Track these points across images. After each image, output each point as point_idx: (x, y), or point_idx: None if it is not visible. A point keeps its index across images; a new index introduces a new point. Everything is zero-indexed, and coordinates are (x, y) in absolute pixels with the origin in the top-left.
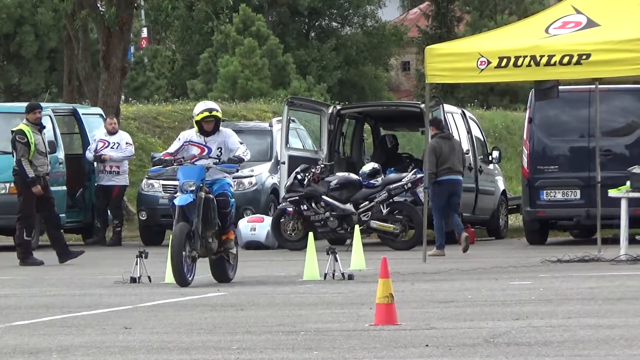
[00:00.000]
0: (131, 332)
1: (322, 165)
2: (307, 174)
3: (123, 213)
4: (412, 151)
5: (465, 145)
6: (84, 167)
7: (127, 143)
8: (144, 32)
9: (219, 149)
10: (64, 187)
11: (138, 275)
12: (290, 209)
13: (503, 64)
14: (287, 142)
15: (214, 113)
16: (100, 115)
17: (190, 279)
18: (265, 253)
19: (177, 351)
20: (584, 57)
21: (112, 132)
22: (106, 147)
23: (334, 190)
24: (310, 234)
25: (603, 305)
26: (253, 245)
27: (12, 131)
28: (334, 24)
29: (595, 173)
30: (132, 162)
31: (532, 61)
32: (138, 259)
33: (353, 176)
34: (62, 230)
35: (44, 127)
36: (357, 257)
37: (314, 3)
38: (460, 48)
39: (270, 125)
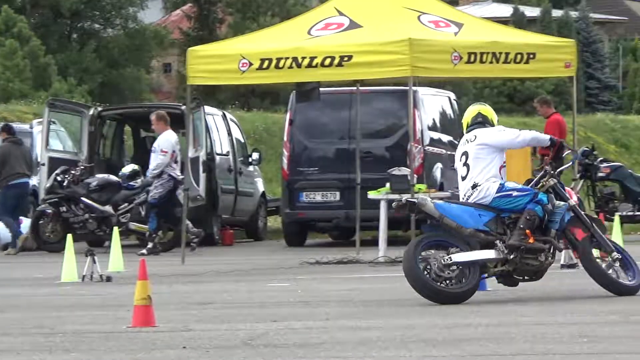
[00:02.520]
0: None
1: (82, 167)
2: (66, 176)
3: None
4: None
5: (226, 147)
6: None
7: None
8: None
9: None
10: None
11: None
12: (50, 211)
13: (265, 65)
14: (47, 143)
15: None
16: None
17: None
18: (24, 254)
19: None
20: (345, 58)
21: None
22: None
23: (93, 192)
24: (69, 236)
25: (361, 307)
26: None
27: None
28: (97, 25)
29: (355, 175)
30: None
31: (293, 63)
32: None
33: (113, 178)
34: None
35: None
36: (115, 258)
37: (76, 5)
38: (222, 50)
39: (31, 127)
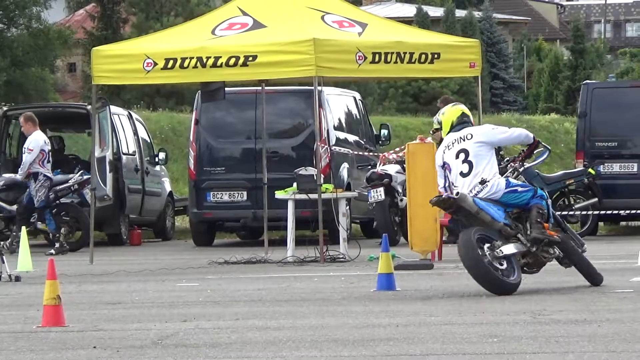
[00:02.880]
0: None
1: None
2: None
3: None
4: (79, 152)
5: (132, 147)
6: None
7: None
8: None
9: None
10: None
11: None
12: None
13: (169, 65)
14: None
15: None
16: None
17: None
18: None
19: None
20: (250, 58)
21: None
22: None
23: (0, 192)
24: None
25: (270, 307)
26: None
27: None
28: (0, 25)
29: (262, 174)
30: None
31: (198, 62)
32: None
33: (19, 178)
34: None
35: None
36: (24, 258)
37: None
38: (126, 49)
39: None
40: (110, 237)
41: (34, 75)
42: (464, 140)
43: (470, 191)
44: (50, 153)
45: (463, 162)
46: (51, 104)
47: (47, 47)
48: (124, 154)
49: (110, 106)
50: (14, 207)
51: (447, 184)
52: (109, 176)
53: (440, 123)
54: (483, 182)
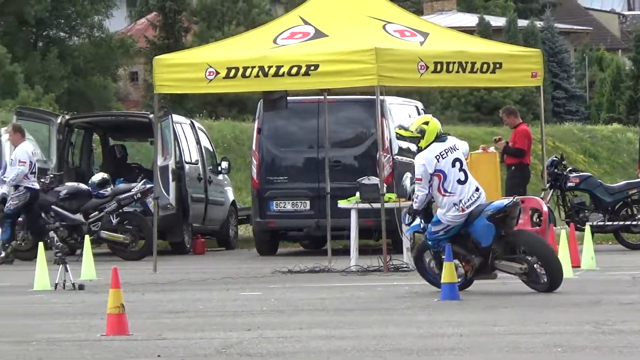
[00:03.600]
0: None
1: (52, 175)
2: None
3: None
4: (141, 161)
5: (195, 156)
6: None
7: None
8: None
9: None
10: None
11: None
12: (20, 219)
13: (231, 74)
14: None
15: None
16: None
17: None
18: None
19: None
20: (312, 67)
21: None
22: None
23: (63, 200)
24: (41, 244)
25: (334, 316)
26: None
27: None
28: (62, 34)
29: (324, 184)
30: None
31: (260, 72)
32: None
33: (82, 186)
34: None
35: None
36: (87, 267)
37: (41, 13)
38: (188, 58)
39: None
40: (174, 246)
41: (96, 84)
42: (453, 150)
43: (471, 198)
44: (36, 164)
45: (459, 170)
46: (114, 113)
47: (109, 55)
48: (187, 162)
49: (173, 115)
50: (77, 215)
51: (428, 192)
52: (172, 185)
53: (422, 132)
54: (477, 189)
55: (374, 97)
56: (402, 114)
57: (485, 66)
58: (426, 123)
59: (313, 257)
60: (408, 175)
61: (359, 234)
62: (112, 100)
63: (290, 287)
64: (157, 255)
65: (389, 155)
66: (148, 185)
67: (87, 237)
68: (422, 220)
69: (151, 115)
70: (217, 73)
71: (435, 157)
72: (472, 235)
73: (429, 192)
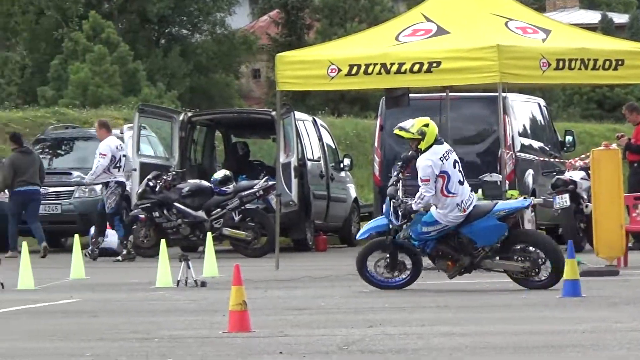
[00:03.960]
0: None
1: (174, 172)
2: (158, 181)
3: None
4: (264, 158)
5: (317, 153)
6: None
7: None
8: None
9: None
10: None
11: None
12: (142, 216)
13: (353, 71)
14: (138, 149)
15: None
16: None
17: None
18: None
19: (30, 358)
20: (434, 64)
21: None
22: None
23: (185, 197)
24: (163, 241)
25: (456, 313)
26: (105, 252)
27: None
28: (184, 31)
29: None
30: None
31: (382, 69)
32: None
33: (205, 183)
34: None
35: None
36: (209, 264)
37: (164, 10)
38: (310, 56)
39: (122, 132)
40: (296, 243)
41: (219, 81)
42: (451, 152)
43: (470, 198)
44: (122, 158)
45: (459, 171)
46: (236, 110)
47: (231, 53)
48: (309, 159)
49: (295, 112)
50: (199, 212)
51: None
52: (294, 182)
53: (423, 134)
54: (471, 190)
55: (496, 94)
56: (525, 111)
57: (607, 63)
58: (426, 125)
59: None
60: (530, 172)
61: None
62: (234, 98)
63: (415, 283)
64: (279, 252)
65: (511, 152)
66: (270, 183)
67: (209, 234)
68: (396, 220)
69: (273, 113)
70: (339, 70)
71: (440, 158)
72: (466, 236)
73: (431, 194)
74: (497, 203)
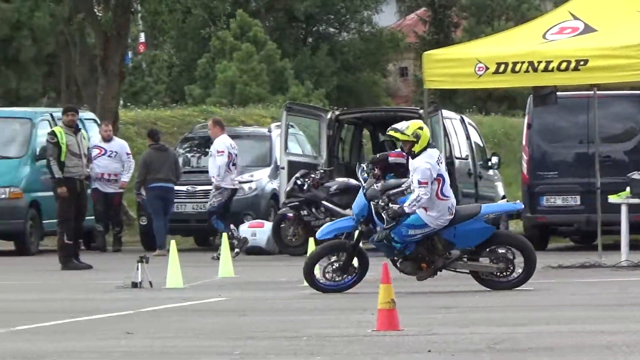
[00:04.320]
0: (133, 337)
1: (322, 171)
2: (306, 180)
3: (123, 219)
4: None
5: (465, 151)
6: None
7: (127, 153)
8: (142, 37)
9: None
10: None
11: (139, 280)
12: (291, 215)
13: (501, 69)
14: (286, 147)
15: None
16: (94, 120)
17: None
18: (266, 258)
19: (179, 356)
20: (581, 62)
21: (107, 139)
22: (103, 154)
23: (333, 196)
24: (311, 240)
25: (604, 311)
26: (254, 251)
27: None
28: (331, 29)
29: (594, 179)
30: None
31: (529, 67)
32: (139, 264)
33: (353, 181)
34: (80, 241)
35: (79, 130)
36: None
37: (311, 9)
38: (457, 54)
39: (269, 131)
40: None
41: (366, 80)
42: (441, 156)
43: (454, 202)
44: (236, 156)
45: (448, 175)
46: (384, 108)
47: (379, 51)
48: (457, 158)
49: (442, 110)
50: (347, 211)
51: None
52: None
53: (418, 137)
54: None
55: None
56: None
57: None
58: (421, 128)
59: (583, 252)
60: None
61: (629, 229)
62: (382, 96)
63: (561, 282)
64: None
65: None
66: None
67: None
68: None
69: (421, 111)
70: (487, 68)
71: (437, 162)
72: (444, 238)
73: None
74: (482, 206)
